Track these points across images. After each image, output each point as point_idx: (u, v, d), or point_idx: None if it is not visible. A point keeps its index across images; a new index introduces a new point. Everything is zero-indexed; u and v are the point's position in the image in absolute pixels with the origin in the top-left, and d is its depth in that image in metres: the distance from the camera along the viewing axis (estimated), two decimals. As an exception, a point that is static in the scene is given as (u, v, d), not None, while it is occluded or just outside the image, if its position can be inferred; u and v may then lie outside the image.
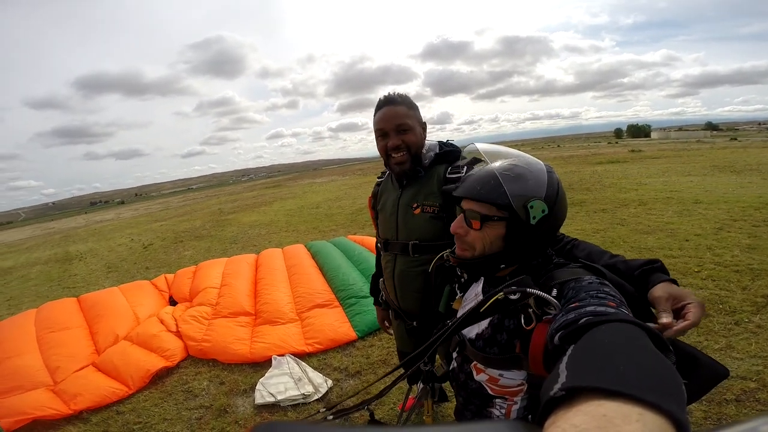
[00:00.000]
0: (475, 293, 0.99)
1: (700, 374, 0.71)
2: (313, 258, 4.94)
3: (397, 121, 1.42)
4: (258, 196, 24.43)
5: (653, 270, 0.83)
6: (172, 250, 9.11)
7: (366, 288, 3.81)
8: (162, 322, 3.72)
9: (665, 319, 0.72)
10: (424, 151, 1.50)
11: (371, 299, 3.56)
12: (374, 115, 1.49)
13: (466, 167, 1.39)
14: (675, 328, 0.71)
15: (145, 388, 2.92)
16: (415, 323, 1.56)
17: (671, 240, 4.94)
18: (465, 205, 0.90)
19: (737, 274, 3.68)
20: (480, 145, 0.99)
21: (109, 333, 3.52)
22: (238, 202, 20.96)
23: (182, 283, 4.70)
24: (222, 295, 4.08)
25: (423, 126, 1.51)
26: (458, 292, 1.08)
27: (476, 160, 1.39)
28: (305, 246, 5.60)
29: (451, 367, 1.05)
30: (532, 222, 0.83)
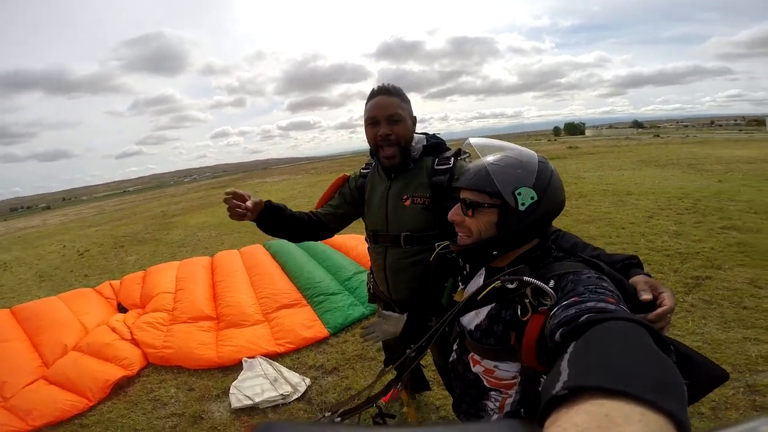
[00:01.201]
0: (476, 285, 1.00)
1: (694, 375, 0.71)
2: (274, 258, 4.84)
3: (389, 110, 1.42)
4: (204, 196, 23.26)
5: (632, 265, 0.95)
6: (113, 256, 8.47)
7: (333, 285, 3.81)
8: (114, 330, 3.49)
9: (646, 295, 0.81)
10: (413, 144, 1.51)
11: (340, 296, 3.59)
12: (366, 105, 1.48)
13: (452, 158, 1.44)
14: (656, 312, 0.79)
15: (107, 399, 2.74)
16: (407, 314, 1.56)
17: (610, 228, 5.40)
18: (462, 194, 0.95)
19: (668, 258, 4.10)
20: (474, 140, 1.04)
21: (56, 344, 3.24)
22: (183, 204, 19.83)
23: (131, 289, 4.43)
24: (178, 300, 3.90)
25: (414, 120, 1.51)
26: (461, 284, 1.09)
27: (461, 152, 1.46)
28: (264, 246, 5.46)
29: (450, 358, 1.07)
30: (521, 208, 0.86)
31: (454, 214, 0.96)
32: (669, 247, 4.39)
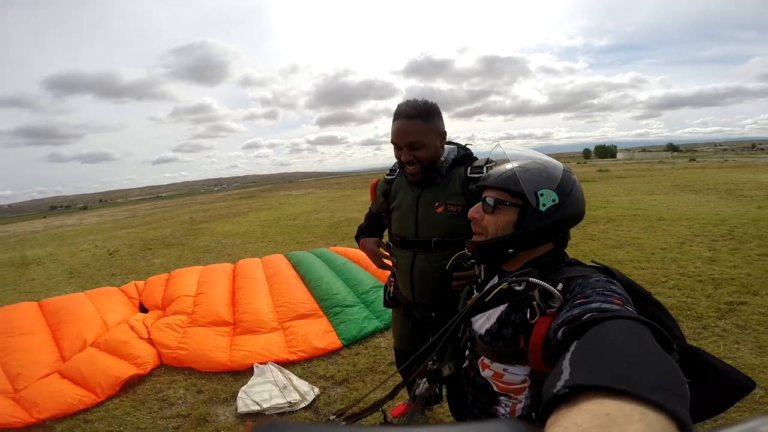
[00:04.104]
0: None
1: (720, 384, 0.71)
2: (294, 268, 4.87)
3: (410, 138, 1.42)
4: (231, 206, 23.88)
5: None
6: (140, 258, 8.75)
7: (350, 297, 3.80)
8: (132, 328, 3.55)
9: None
10: (443, 157, 1.52)
11: (356, 308, 3.58)
12: (392, 122, 1.48)
13: (485, 167, 1.46)
14: None
15: (115, 396, 2.77)
16: (433, 314, 1.57)
17: (639, 253, 5.19)
18: (485, 193, 0.97)
19: (701, 283, 3.92)
20: (504, 146, 1.09)
21: (77, 339, 3.33)
22: (211, 212, 20.41)
23: (154, 290, 4.52)
24: (198, 303, 3.95)
25: (442, 135, 1.50)
26: (475, 292, 1.10)
27: (490, 161, 1.49)
28: (285, 256, 5.52)
29: (464, 364, 1.07)
30: (542, 209, 0.88)
31: (475, 211, 0.98)
32: (702, 273, 4.20)
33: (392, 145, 1.51)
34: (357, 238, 1.89)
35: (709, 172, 19.34)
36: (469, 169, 1.49)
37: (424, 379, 1.09)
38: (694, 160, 41.33)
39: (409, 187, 1.58)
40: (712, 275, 4.10)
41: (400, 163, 1.51)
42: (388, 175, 1.71)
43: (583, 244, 5.80)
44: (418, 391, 1.10)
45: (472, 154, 1.56)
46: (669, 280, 4.09)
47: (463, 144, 1.61)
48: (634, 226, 6.91)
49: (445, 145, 1.55)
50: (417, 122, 1.42)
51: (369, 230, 1.86)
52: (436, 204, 1.49)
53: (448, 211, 1.47)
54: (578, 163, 58.94)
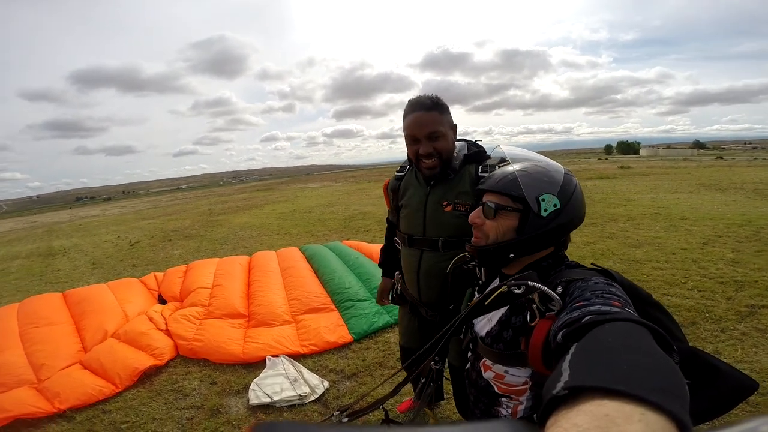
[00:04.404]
0: None
1: (722, 386, 0.70)
2: (308, 261, 4.93)
3: (429, 129, 1.41)
4: (249, 198, 24.21)
5: None
6: (160, 249, 8.96)
7: (362, 292, 3.82)
8: (151, 320, 3.66)
9: None
10: (455, 153, 1.50)
11: (367, 302, 3.60)
12: (404, 118, 1.47)
13: (497, 167, 1.41)
14: None
15: (133, 387, 2.85)
16: (438, 315, 1.57)
17: (659, 253, 5.06)
18: (485, 197, 0.97)
19: (722, 285, 3.81)
20: (504, 147, 1.08)
21: (98, 329, 3.44)
22: (229, 204, 20.74)
23: (172, 282, 4.64)
24: (214, 296, 4.03)
25: (454, 129, 1.49)
26: (476, 294, 1.10)
27: (503, 160, 1.43)
28: (300, 249, 5.58)
29: (466, 366, 1.09)
30: (543, 214, 0.88)
31: (476, 216, 0.97)
32: (724, 275, 4.08)
33: (407, 143, 1.49)
34: (380, 266, 1.99)
35: (736, 170, 18.63)
36: (480, 167, 1.46)
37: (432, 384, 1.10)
38: (722, 158, 39.79)
39: (419, 184, 1.57)
40: (734, 277, 3.98)
41: (416, 158, 1.49)
42: (398, 171, 1.71)
43: (601, 243, 5.69)
44: (424, 392, 1.11)
45: (484, 151, 1.53)
46: (689, 281, 3.99)
47: (474, 140, 1.59)
48: (655, 225, 6.73)
49: (456, 142, 1.54)
50: (434, 113, 1.42)
51: (388, 259, 1.92)
52: (445, 203, 1.48)
53: (457, 211, 1.45)
54: (599, 159, 57.55)
